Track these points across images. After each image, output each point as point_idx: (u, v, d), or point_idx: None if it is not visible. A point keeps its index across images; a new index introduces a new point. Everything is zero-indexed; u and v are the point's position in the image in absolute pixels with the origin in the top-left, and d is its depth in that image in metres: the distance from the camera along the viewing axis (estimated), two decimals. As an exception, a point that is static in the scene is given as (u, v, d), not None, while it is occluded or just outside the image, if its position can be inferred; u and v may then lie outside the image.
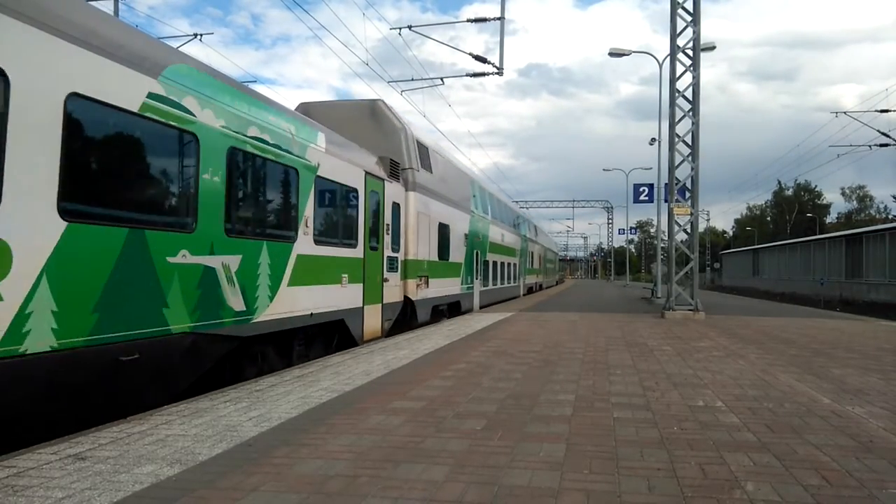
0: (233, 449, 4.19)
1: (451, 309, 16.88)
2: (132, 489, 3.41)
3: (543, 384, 6.53)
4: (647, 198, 29.30)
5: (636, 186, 30.25)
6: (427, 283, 14.18)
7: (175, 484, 3.51)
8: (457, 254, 17.11)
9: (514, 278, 28.48)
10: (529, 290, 34.89)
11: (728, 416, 5.16)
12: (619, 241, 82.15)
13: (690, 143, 16.33)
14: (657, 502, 3.28)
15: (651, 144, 30.63)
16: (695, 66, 16.15)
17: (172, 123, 6.05)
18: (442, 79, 19.77)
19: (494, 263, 23.30)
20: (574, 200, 77.48)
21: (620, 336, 11.48)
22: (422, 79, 19.86)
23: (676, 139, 16.41)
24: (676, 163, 16.42)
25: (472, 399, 5.79)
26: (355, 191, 10.46)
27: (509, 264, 26.80)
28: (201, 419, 5.00)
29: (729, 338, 11.34)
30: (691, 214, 16.49)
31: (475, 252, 19.53)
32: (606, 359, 8.45)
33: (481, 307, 20.27)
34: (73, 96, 4.90)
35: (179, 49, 8.75)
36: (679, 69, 16.32)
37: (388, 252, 11.95)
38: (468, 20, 18.85)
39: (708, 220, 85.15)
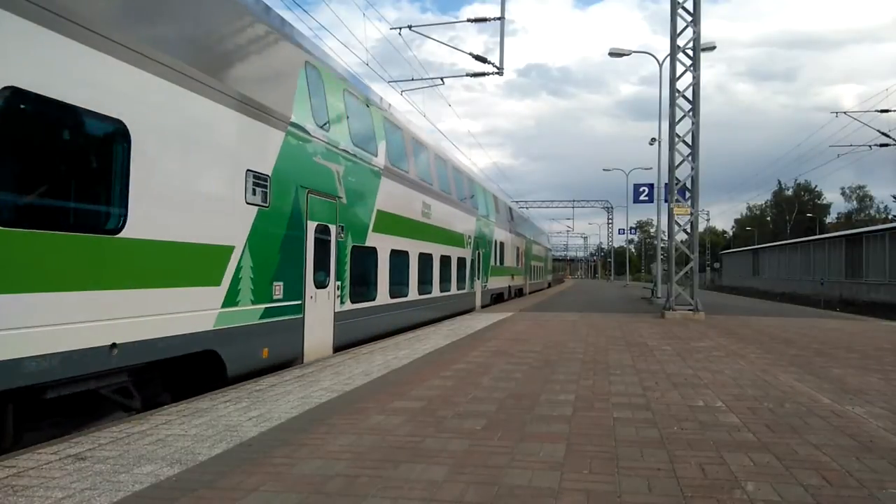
0: (233, 449, 4.19)
1: (178, 382, 6.47)
2: (132, 489, 3.42)
3: (543, 384, 6.53)
4: (647, 198, 29.30)
5: (636, 186, 30.26)
6: None
7: (175, 484, 3.51)
8: (192, 216, 6.39)
9: (462, 282, 18.18)
10: (498, 298, 24.55)
11: (728, 416, 5.16)
12: (619, 241, 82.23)
13: (690, 143, 16.32)
14: (657, 502, 3.28)
15: (651, 144, 30.63)
16: (695, 66, 16.14)
17: None
18: (442, 79, 19.79)
19: (402, 255, 12.64)
20: (574, 200, 77.46)
21: (620, 336, 11.47)
22: (422, 79, 19.88)
23: (676, 139, 16.41)
24: (676, 163, 16.42)
25: (472, 399, 5.79)
26: None
27: (448, 259, 16.41)
28: (201, 419, 5.00)
29: (729, 338, 11.33)
30: (691, 214, 16.48)
31: (322, 228, 9.01)
32: (606, 359, 8.45)
33: (347, 345, 9.73)
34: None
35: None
36: (679, 69, 16.33)
37: None
38: (468, 20, 18.88)
39: (708, 220, 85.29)
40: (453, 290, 17.08)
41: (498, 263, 24.18)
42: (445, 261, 16.20)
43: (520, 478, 3.62)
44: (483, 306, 20.70)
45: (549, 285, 49.33)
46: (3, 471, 3.73)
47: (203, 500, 3.28)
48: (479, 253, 20.38)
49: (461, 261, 18.02)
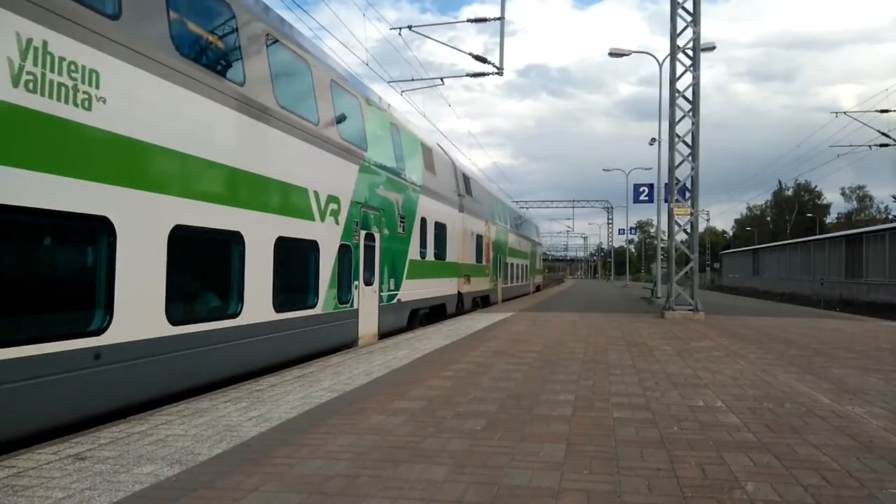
0: (233, 449, 4.19)
1: None
2: (132, 489, 3.41)
3: (543, 384, 6.53)
4: (647, 198, 29.31)
5: (636, 186, 30.27)
6: None
7: (175, 484, 3.51)
8: None
9: (307, 293, 9.06)
10: (437, 313, 15.70)
11: (728, 416, 5.16)
12: (619, 241, 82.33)
13: (690, 143, 16.33)
14: (657, 502, 3.28)
15: (651, 144, 30.64)
16: (695, 67, 16.15)
17: None
18: (442, 79, 19.77)
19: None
20: (574, 200, 77.56)
21: (620, 336, 11.47)
22: (422, 79, 19.89)
23: (676, 139, 16.41)
24: (676, 163, 16.43)
25: (472, 399, 5.78)
26: None
27: (233, 241, 7.22)
28: (201, 419, 5.00)
29: (729, 338, 11.33)
30: (691, 214, 16.49)
31: None
32: (606, 359, 8.45)
33: None
34: None
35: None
36: (679, 69, 16.34)
37: None
38: (468, 20, 18.88)
39: (708, 220, 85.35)
40: (263, 312, 7.75)
41: (428, 257, 14.74)
42: (222, 247, 7.29)
43: (520, 478, 3.62)
44: (388, 334, 11.59)
45: (538, 289, 39.67)
46: (3, 471, 3.73)
47: (203, 500, 3.28)
48: (369, 236, 10.98)
49: (301, 247, 8.84)
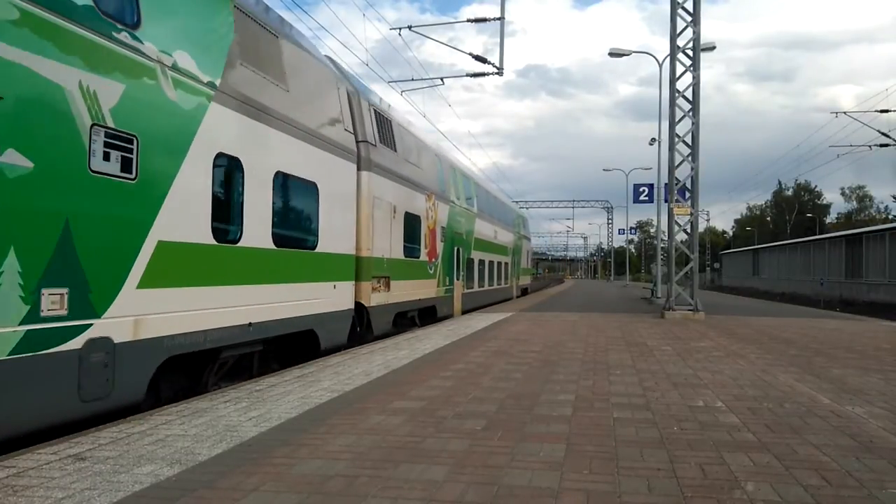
0: (233, 449, 4.19)
1: None
2: (132, 489, 3.41)
3: (543, 384, 6.53)
4: (647, 198, 29.31)
5: (636, 186, 30.27)
6: None
7: (175, 484, 3.51)
8: None
9: None
10: (210, 371, 6.98)
11: (728, 416, 5.16)
12: (619, 241, 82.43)
13: (690, 144, 16.33)
14: (657, 502, 3.28)
15: (651, 144, 30.65)
16: (695, 67, 16.15)
17: None
18: (442, 79, 19.74)
19: None
20: (574, 200, 77.67)
21: (620, 336, 11.47)
22: (421, 79, 19.88)
23: (676, 139, 16.41)
24: (676, 163, 16.42)
25: (472, 399, 5.78)
26: None
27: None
28: (201, 419, 5.00)
29: (729, 338, 11.33)
30: (691, 214, 16.49)
31: None
32: (606, 359, 8.45)
33: None
34: None
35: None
36: (679, 69, 16.33)
37: None
38: (468, 20, 18.89)
39: (708, 220, 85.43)
40: None
41: (248, 240, 7.26)
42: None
43: (520, 478, 3.62)
44: (35, 435, 4.60)
45: (525, 292, 32.70)
46: (3, 471, 3.73)
47: (203, 500, 3.28)
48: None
49: None
